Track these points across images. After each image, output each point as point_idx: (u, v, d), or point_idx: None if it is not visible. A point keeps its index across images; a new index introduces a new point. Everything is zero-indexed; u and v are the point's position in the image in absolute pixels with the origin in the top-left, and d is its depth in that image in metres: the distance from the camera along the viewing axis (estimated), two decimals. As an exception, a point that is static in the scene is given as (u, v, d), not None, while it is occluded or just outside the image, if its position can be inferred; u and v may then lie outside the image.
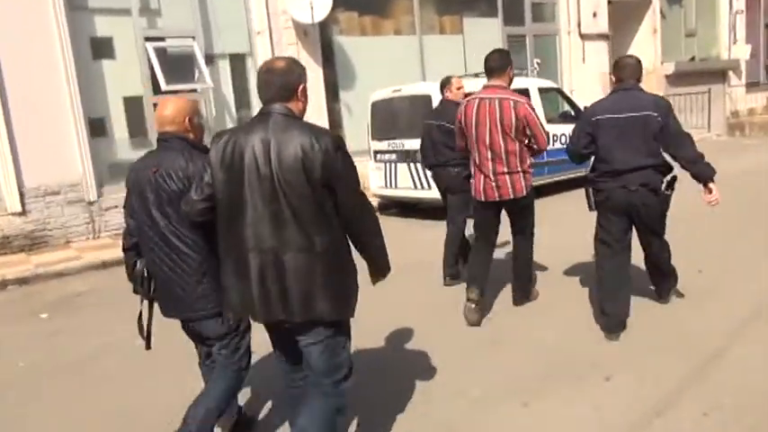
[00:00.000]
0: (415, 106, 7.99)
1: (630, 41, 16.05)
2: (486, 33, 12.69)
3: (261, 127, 2.31)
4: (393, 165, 8.51)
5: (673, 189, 3.91)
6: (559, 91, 9.28)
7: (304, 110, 2.45)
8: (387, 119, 8.63)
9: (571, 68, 14.03)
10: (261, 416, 3.40)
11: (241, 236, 2.32)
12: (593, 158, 4.06)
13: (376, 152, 8.75)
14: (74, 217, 8.40)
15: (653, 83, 15.90)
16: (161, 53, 8.94)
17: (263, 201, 2.27)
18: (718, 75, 17.16)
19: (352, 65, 10.91)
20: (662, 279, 4.36)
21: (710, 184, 3.90)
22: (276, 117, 2.32)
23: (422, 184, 8.07)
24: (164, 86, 8.72)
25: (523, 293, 4.66)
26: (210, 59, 9.61)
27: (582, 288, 4.91)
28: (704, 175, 3.90)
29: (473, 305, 4.37)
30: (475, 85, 5.69)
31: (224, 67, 9.84)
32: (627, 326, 4.01)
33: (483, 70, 4.33)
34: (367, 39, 11.18)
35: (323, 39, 10.55)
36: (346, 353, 2.50)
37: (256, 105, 9.70)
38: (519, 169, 4.19)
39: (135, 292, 2.92)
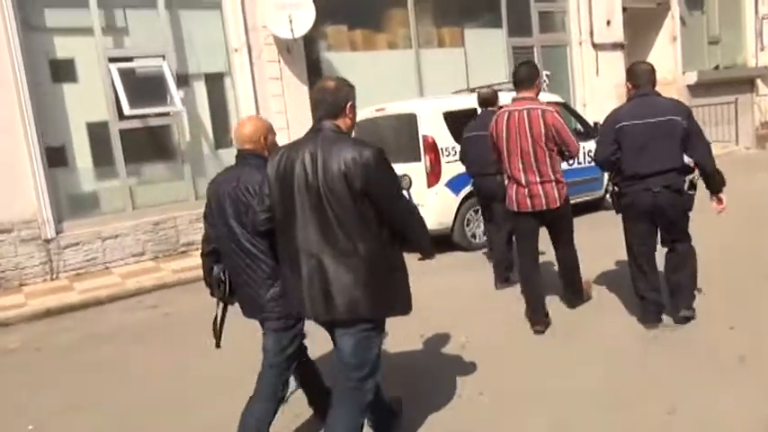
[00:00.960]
0: (401, 126, 7.13)
1: (648, 51, 14.99)
2: (490, 45, 11.81)
3: (311, 142, 2.57)
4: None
5: (695, 188, 4.04)
6: (566, 106, 8.32)
7: (352, 125, 2.71)
8: (371, 141, 7.75)
9: (584, 81, 13.05)
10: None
11: (294, 241, 2.57)
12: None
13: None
14: (28, 257, 7.62)
15: (673, 94, 14.80)
16: (127, 74, 8.19)
17: (311, 209, 2.51)
18: (746, 83, 15.99)
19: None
20: (679, 290, 4.23)
21: (721, 195, 4.11)
22: (326, 132, 2.57)
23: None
24: (127, 111, 7.99)
25: (577, 297, 4.81)
26: (185, 80, 8.84)
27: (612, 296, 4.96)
28: (716, 187, 4.08)
29: (543, 330, 4.44)
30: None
31: (199, 87, 9.05)
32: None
33: (504, 82, 4.74)
34: (358, 54, 10.35)
35: (309, 55, 9.75)
36: (377, 350, 2.69)
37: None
38: (551, 178, 4.28)
39: (212, 294, 3.15)
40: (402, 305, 2.71)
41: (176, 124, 8.71)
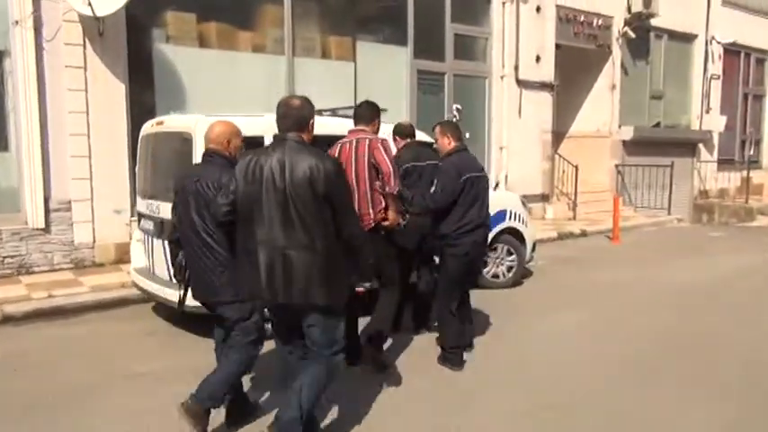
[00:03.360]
0: (175, 148, 4.96)
1: (583, 97, 13.31)
2: (389, 64, 9.81)
3: (278, 150, 2.97)
4: (151, 240, 5.36)
5: None
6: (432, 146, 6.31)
7: (310, 139, 3.09)
8: (149, 165, 5.53)
9: (503, 121, 11.17)
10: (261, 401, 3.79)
11: (255, 234, 2.95)
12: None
13: (140, 215, 5.58)
14: None
15: (606, 149, 13.14)
16: None
17: (277, 207, 2.90)
18: (687, 146, 14.49)
19: (181, 86, 7.85)
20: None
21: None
22: (291, 143, 2.98)
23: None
24: None
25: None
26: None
27: None
28: None
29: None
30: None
31: (-39, 66, 6.70)
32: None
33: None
34: (209, 52, 8.16)
35: (134, 44, 7.51)
36: (340, 331, 3.12)
37: (27, 122, 6.74)
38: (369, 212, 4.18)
39: (174, 277, 3.60)
40: (344, 296, 3.13)
41: None
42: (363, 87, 9.41)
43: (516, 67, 11.20)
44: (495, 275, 6.69)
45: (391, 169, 4.11)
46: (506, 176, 11.18)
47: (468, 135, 10.81)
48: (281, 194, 2.88)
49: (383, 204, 4.20)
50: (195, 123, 4.75)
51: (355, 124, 4.40)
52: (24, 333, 5.27)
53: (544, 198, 12.03)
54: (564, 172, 12.37)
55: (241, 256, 3.04)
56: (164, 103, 7.62)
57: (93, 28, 7.04)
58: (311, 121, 3.08)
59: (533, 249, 7.12)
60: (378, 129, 4.45)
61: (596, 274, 7.58)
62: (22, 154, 6.83)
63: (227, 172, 3.16)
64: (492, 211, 6.41)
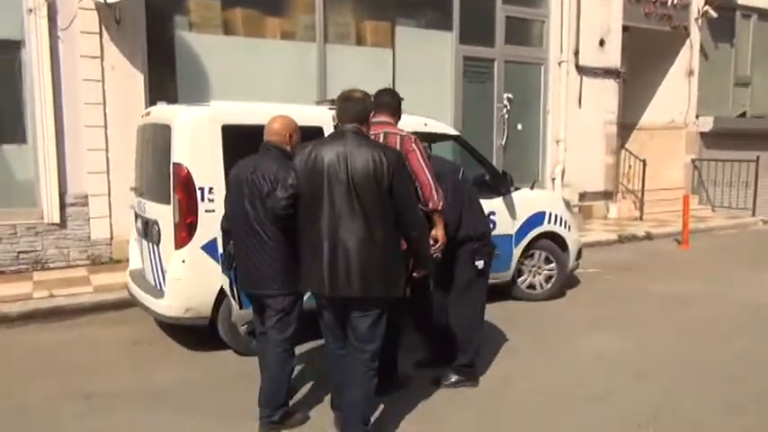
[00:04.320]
0: (158, 143, 4.52)
1: (655, 85, 12.06)
2: (431, 50, 9.09)
3: (339, 142, 2.98)
4: (141, 242, 4.96)
5: None
6: (458, 139, 5.55)
7: (368, 132, 3.14)
8: (138, 160, 5.14)
9: (560, 111, 10.20)
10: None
11: (318, 226, 2.94)
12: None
13: (136, 215, 5.19)
14: None
15: (681, 142, 11.87)
16: None
17: (340, 199, 2.89)
18: (776, 140, 12.91)
19: (204, 75, 7.48)
20: None
21: None
22: (351, 135, 2.99)
23: (160, 284, 4.49)
24: None
25: None
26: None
27: None
28: None
29: None
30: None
31: (-18, 57, 6.57)
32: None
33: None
34: (234, 40, 7.75)
35: (153, 32, 7.19)
36: (384, 323, 3.08)
37: (41, 114, 6.56)
38: None
39: (222, 266, 3.55)
40: (402, 286, 3.14)
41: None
42: (402, 76, 8.76)
43: (577, 52, 10.20)
44: (531, 286, 5.90)
45: (431, 179, 3.51)
46: (563, 172, 10.23)
47: (519, 127, 10.00)
48: (343, 186, 2.88)
49: None
50: (175, 114, 4.27)
51: (375, 114, 3.52)
52: (10, 337, 5.00)
53: (607, 196, 10.98)
54: (630, 167, 11.25)
55: (305, 249, 3.03)
56: (186, 93, 7.25)
57: (110, 16, 6.76)
58: (371, 114, 3.17)
59: (579, 256, 6.26)
60: (399, 120, 3.79)
61: (655, 285, 6.59)
62: (38, 146, 6.65)
63: (285, 165, 3.16)
64: (527, 213, 5.72)
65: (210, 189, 4.19)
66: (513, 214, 5.57)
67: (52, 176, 6.68)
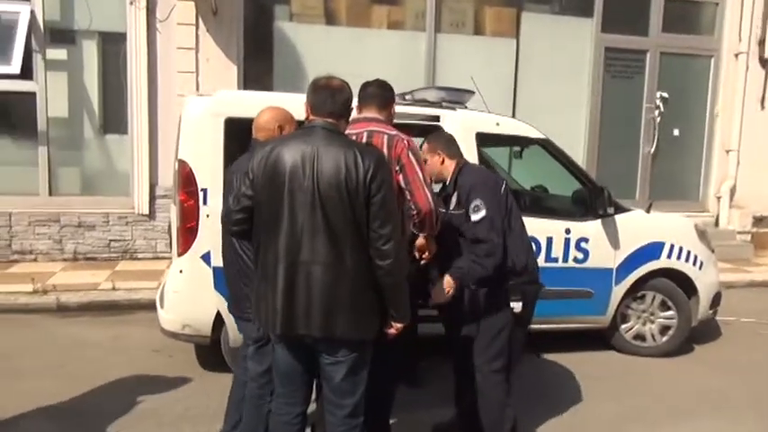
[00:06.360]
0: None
1: None
2: (565, 40, 7.83)
3: (305, 140, 2.32)
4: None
5: None
6: (545, 144, 4.38)
7: (345, 130, 2.50)
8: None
9: (734, 115, 8.28)
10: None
11: (275, 245, 2.30)
12: None
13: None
14: None
15: None
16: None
17: (302, 212, 2.26)
18: None
19: (303, 67, 7.10)
20: None
21: None
22: (320, 131, 2.33)
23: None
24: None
25: None
26: (71, 37, 6.67)
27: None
28: None
29: None
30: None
31: (88, 50, 6.79)
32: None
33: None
34: (337, 30, 7.27)
35: (251, 23, 6.94)
36: (365, 373, 2.41)
37: (138, 106, 6.61)
38: None
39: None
40: (376, 326, 2.39)
41: (41, 94, 6.55)
42: (527, 70, 7.67)
43: (762, 42, 8.19)
44: (640, 336, 4.57)
45: (425, 189, 2.69)
46: (732, 189, 8.30)
47: (676, 132, 8.30)
48: (306, 196, 2.26)
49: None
50: (185, 104, 3.79)
51: (361, 110, 2.92)
52: (55, 326, 4.97)
53: (792, 222, 8.74)
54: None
55: (259, 272, 2.41)
56: (282, 85, 6.92)
57: (207, 6, 6.62)
58: (351, 109, 2.52)
59: (716, 303, 4.76)
60: (392, 120, 2.98)
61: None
62: (134, 138, 6.73)
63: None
64: (637, 242, 4.43)
65: (215, 191, 3.64)
66: (614, 243, 4.32)
67: (144, 167, 6.72)
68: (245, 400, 2.85)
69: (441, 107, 4.22)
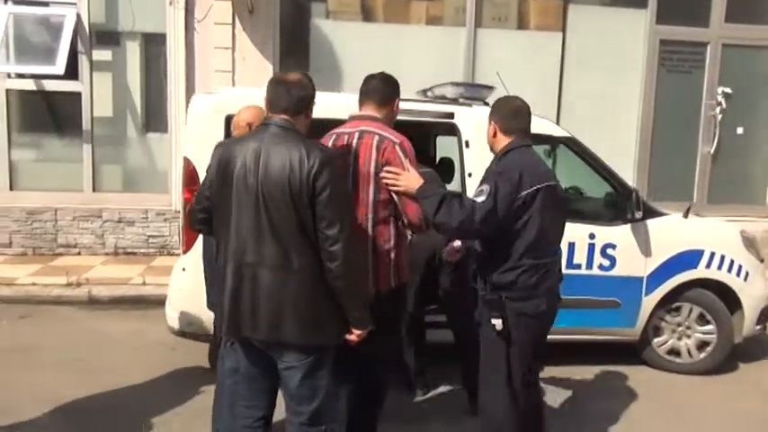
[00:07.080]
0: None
1: None
2: (616, 33, 7.42)
3: (256, 137, 2.28)
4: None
5: None
6: (570, 143, 4.09)
7: (306, 127, 2.39)
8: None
9: (807, 113, 7.60)
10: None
11: (226, 247, 2.27)
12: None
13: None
14: None
15: None
16: (24, 21, 6.51)
17: (247, 213, 2.21)
18: None
19: (339, 65, 7.04)
20: None
21: None
22: (274, 129, 2.26)
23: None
24: (2, 66, 6.34)
25: None
26: (115, 39, 6.87)
27: None
28: None
29: None
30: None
31: (131, 50, 6.98)
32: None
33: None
34: (374, 27, 7.16)
35: (287, 21, 6.94)
36: (325, 380, 2.31)
37: (176, 105, 6.75)
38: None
39: None
40: (332, 333, 2.28)
41: (86, 93, 6.78)
42: (573, 65, 7.32)
43: (844, 31, 7.48)
44: (674, 351, 4.22)
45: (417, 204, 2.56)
46: (801, 196, 7.63)
47: (740, 131, 7.71)
48: (251, 196, 2.19)
49: (391, 242, 2.60)
50: (194, 101, 3.78)
51: (361, 106, 2.76)
52: (83, 320, 5.10)
53: None
54: None
55: (213, 273, 2.51)
56: (319, 83, 6.78)
57: (243, 5, 6.66)
58: (312, 104, 2.41)
59: (763, 318, 4.34)
60: (394, 118, 2.80)
61: None
62: (172, 136, 6.86)
63: None
64: (671, 250, 4.09)
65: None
66: (645, 249, 4.00)
67: (180, 164, 6.81)
68: (217, 400, 2.82)
69: (457, 104, 4.03)
